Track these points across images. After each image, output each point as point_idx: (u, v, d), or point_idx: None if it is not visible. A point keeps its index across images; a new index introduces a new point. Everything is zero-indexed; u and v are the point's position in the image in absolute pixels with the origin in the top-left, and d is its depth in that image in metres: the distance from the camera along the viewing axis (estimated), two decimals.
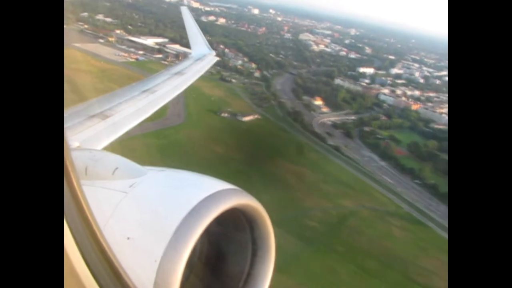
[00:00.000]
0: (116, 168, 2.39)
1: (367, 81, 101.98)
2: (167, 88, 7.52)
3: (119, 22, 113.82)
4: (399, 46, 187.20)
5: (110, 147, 4.76)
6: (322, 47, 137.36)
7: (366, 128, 70.38)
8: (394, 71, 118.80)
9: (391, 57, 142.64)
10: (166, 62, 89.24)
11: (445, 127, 77.98)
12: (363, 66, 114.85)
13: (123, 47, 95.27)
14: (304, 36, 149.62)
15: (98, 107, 5.67)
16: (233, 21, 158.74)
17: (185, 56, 68.01)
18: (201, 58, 10.77)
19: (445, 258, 40.82)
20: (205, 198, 2.01)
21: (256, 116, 67.28)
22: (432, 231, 45.09)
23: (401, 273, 36.36)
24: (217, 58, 11.86)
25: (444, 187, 54.25)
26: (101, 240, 1.47)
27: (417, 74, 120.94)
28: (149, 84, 7.45)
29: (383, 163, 58.88)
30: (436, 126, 77.09)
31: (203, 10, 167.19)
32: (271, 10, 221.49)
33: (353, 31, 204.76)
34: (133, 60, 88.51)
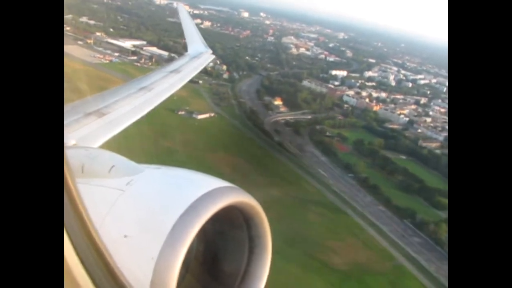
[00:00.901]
0: (113, 166, 2.43)
1: (336, 83, 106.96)
2: (164, 86, 7.63)
3: (102, 25, 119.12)
4: (385, 50, 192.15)
5: (107, 145, 4.81)
6: (302, 50, 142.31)
7: (318, 127, 75.30)
8: (368, 74, 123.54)
9: (371, 60, 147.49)
10: (138, 64, 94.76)
11: (399, 127, 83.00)
12: (336, 68, 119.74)
13: (100, 49, 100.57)
14: (287, 39, 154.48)
15: (94, 105, 5.73)
16: (218, 25, 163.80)
17: (159, 58, 73.91)
18: (197, 56, 10.95)
19: (352, 240, 45.86)
20: (201, 196, 2.04)
21: (211, 115, 72.39)
22: (349, 218, 49.88)
23: (302, 251, 41.17)
24: (213, 56, 12.13)
25: (374, 179, 59.16)
26: (97, 239, 1.48)
27: (391, 77, 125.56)
28: (146, 82, 7.56)
29: (323, 158, 63.74)
30: (389, 126, 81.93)
31: (191, 13, 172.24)
32: (262, 13, 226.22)
33: (341, 35, 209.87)
34: (107, 61, 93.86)
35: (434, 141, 78.36)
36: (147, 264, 1.86)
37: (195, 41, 12.65)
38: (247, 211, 2.26)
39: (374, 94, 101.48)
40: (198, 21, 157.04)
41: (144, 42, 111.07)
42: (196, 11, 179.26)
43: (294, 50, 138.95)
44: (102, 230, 1.57)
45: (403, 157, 69.84)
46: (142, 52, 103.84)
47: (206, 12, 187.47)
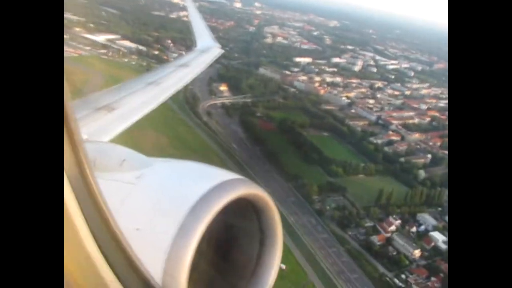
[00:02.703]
0: (124, 160, 2.54)
1: (296, 69, 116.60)
2: (172, 80, 7.97)
3: (84, 20, 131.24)
4: (374, 36, 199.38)
5: (117, 139, 5.05)
6: (280, 39, 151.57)
7: (253, 109, 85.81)
8: (336, 60, 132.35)
9: (350, 47, 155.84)
10: (105, 57, 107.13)
11: (334, 108, 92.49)
12: (302, 56, 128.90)
13: (74, 43, 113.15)
14: (269, 29, 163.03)
15: (104, 100, 6.01)
16: (203, 16, 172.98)
17: (128, 51, 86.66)
18: (205, 50, 11.34)
19: None
20: (212, 188, 2.12)
21: None
22: None
23: None
24: (222, 51, 12.38)
25: (279, 151, 69.49)
26: (115, 228, 1.57)
27: (359, 63, 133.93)
28: (155, 77, 7.92)
29: (242, 135, 74.49)
30: (325, 107, 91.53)
31: (180, 5, 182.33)
32: (256, 3, 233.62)
33: (333, 23, 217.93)
34: (76, 55, 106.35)
35: (363, 120, 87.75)
36: (159, 256, 1.96)
37: (203, 36, 13.12)
38: (257, 203, 2.32)
39: (329, 79, 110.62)
40: (184, 13, 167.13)
41: (119, 36, 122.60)
42: (186, 3, 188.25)
43: (269, 40, 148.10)
44: None
45: (325, 134, 79.82)
46: (113, 46, 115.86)
47: (197, 4, 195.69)
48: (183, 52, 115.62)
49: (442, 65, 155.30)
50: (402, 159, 72.67)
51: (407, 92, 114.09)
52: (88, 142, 3.66)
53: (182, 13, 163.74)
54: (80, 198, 1.40)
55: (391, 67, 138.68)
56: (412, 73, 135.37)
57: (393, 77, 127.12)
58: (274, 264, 2.43)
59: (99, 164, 2.53)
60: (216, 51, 11.83)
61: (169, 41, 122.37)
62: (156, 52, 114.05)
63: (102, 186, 1.69)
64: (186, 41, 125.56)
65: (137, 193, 2.27)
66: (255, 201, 2.30)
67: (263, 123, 79.49)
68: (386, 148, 76.63)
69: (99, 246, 1.48)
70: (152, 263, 1.92)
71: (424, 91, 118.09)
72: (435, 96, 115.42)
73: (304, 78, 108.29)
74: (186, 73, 8.76)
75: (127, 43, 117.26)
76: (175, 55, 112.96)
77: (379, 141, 78.43)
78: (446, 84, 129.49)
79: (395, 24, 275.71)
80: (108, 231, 1.53)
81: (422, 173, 69.15)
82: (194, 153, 64.95)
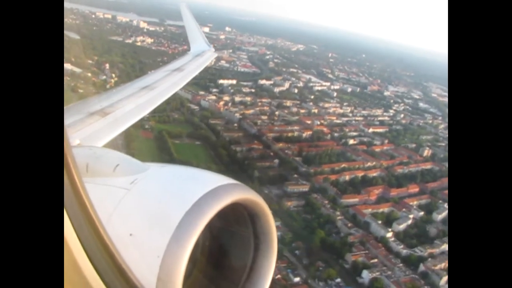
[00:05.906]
0: (117, 165, 2.71)
1: (215, 90, 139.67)
2: (167, 85, 8.48)
3: None
4: (331, 60, 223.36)
5: (111, 144, 5.40)
6: (223, 62, 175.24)
7: (145, 122, 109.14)
8: (262, 82, 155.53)
9: (293, 70, 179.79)
10: None
11: (220, 122, 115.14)
12: (227, 78, 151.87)
13: None
14: (218, 53, 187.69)
15: (98, 104, 6.38)
16: (159, 40, 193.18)
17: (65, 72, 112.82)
18: (200, 54, 12.44)
19: None
20: (206, 193, 2.27)
21: None
22: None
23: None
24: (216, 54, 13.62)
25: (143, 155, 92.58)
26: (104, 236, 1.62)
27: (286, 84, 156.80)
28: (149, 81, 8.47)
29: (120, 142, 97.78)
30: (211, 121, 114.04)
31: (144, 29, 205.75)
32: (227, 28, 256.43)
33: (297, 47, 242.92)
34: None
35: (237, 132, 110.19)
36: (153, 262, 2.07)
37: (197, 40, 14.58)
38: (251, 208, 2.52)
39: (238, 99, 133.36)
40: (141, 37, 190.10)
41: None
42: (152, 28, 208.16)
43: (209, 63, 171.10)
44: (108, 228, 1.67)
45: (197, 142, 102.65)
46: None
47: (162, 28, 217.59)
48: (113, 75, 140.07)
49: (376, 88, 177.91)
50: (246, 162, 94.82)
51: (314, 110, 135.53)
52: (81, 147, 4.04)
53: (139, 38, 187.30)
54: (68, 205, 1.45)
55: (318, 88, 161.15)
56: (335, 94, 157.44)
57: (312, 97, 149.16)
58: (269, 269, 2.64)
59: (93, 169, 2.75)
60: (210, 54, 13.02)
61: (107, 65, 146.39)
62: (89, 74, 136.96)
63: (95, 191, 1.90)
64: (123, 64, 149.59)
65: (131, 198, 2.43)
66: (250, 206, 2.51)
67: (144, 133, 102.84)
68: (239, 154, 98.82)
69: (88, 254, 1.54)
70: (146, 269, 2.08)
71: (332, 110, 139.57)
72: (339, 114, 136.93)
73: (213, 97, 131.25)
74: (180, 77, 9.48)
75: (67, 66, 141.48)
76: (104, 77, 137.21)
77: (238, 148, 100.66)
78: (365, 104, 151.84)
79: (366, 49, 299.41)
80: (98, 239, 1.61)
81: (256, 173, 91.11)
82: None
